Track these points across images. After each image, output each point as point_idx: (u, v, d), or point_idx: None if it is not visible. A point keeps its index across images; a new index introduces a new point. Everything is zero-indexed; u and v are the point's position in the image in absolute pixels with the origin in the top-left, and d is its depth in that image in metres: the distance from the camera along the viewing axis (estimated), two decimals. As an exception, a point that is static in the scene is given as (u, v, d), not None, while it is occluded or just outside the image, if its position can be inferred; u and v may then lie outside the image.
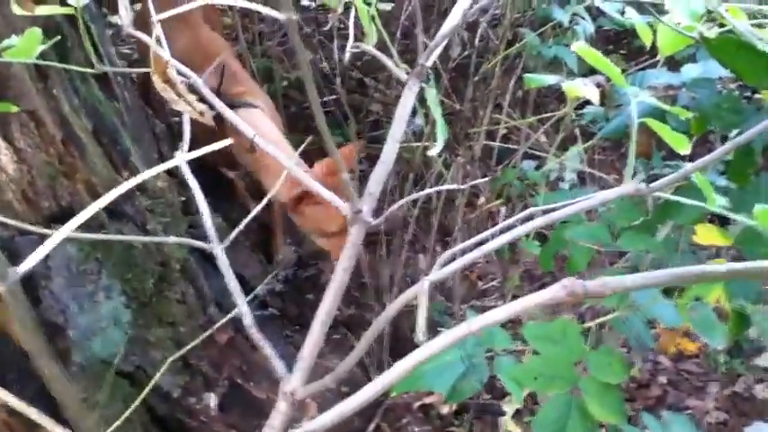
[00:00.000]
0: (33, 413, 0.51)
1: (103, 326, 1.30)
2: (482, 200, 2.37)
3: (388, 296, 1.85)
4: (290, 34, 0.72)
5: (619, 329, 1.09)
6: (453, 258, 0.69)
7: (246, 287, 1.73)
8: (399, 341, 1.81)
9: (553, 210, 0.70)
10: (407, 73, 0.91)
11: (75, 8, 0.82)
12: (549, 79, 1.26)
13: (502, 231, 0.68)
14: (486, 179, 1.43)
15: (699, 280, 0.77)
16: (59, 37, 0.96)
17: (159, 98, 2.07)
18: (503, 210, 2.31)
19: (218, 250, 0.90)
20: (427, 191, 0.92)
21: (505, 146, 2.37)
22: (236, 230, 0.97)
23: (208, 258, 1.64)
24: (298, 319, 1.82)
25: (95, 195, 1.36)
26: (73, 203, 1.31)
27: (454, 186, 1.00)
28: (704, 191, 0.77)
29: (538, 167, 2.02)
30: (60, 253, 1.23)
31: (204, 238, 1.15)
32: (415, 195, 0.90)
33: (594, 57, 0.88)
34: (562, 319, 1.09)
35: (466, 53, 2.00)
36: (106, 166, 1.42)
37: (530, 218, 0.73)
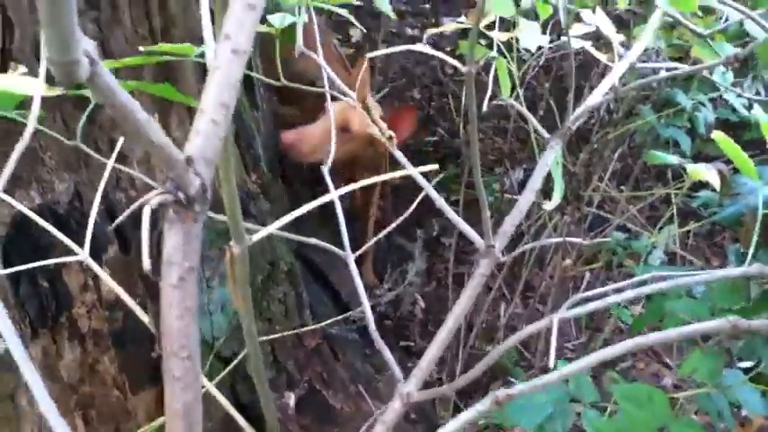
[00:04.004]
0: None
1: (212, 309, 1.41)
2: (567, 262, 2.41)
3: (467, 338, 1.91)
4: (467, 82, 0.81)
5: (703, 405, 1.12)
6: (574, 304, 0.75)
7: (340, 304, 1.83)
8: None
9: (671, 277, 0.76)
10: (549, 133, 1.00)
11: (275, 29, 0.94)
12: (671, 159, 1.31)
13: (636, 285, 0.74)
14: (589, 241, 1.48)
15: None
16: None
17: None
18: (587, 275, 2.35)
19: (351, 259, 0.98)
20: (545, 240, 0.99)
21: (600, 212, 2.41)
22: (368, 245, 1.06)
23: (309, 268, 1.74)
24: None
25: (227, 190, 1.49)
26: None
27: (578, 240, 1.06)
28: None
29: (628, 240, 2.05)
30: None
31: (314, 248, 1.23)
32: (528, 246, 0.97)
33: (729, 145, 0.94)
34: (649, 386, 1.13)
35: (591, 120, 2.07)
36: (239, 167, 1.55)
37: (644, 282, 0.79)
